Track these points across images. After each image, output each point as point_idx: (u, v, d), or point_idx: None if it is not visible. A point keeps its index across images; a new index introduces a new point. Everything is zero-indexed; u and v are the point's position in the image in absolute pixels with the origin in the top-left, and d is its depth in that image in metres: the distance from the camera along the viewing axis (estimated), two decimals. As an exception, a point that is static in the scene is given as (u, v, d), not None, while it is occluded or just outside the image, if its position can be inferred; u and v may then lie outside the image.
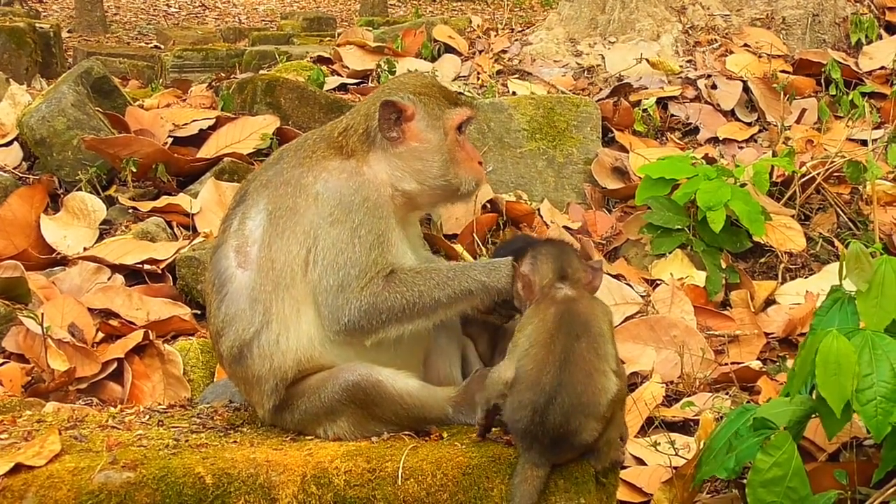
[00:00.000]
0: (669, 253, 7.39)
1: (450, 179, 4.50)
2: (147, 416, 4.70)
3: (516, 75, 9.61)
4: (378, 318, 4.31)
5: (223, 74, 9.90)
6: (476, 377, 4.42)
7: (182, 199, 7.47)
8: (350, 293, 4.29)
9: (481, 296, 4.40)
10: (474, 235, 7.42)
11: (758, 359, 6.62)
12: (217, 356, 4.63)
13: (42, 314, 6.12)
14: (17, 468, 4.05)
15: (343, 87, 9.30)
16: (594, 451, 4.17)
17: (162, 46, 19.60)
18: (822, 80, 9.36)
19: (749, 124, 8.99)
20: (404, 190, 4.46)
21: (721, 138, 8.81)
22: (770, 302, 7.19)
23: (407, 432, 4.33)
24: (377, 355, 4.38)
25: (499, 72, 9.67)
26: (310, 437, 4.37)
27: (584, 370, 4.09)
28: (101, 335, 6.36)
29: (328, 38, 15.35)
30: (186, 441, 4.34)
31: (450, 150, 4.50)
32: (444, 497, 4.09)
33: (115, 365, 6.14)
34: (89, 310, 6.49)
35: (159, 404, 5.05)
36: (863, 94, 9.02)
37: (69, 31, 21.00)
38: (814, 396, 4.87)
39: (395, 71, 9.30)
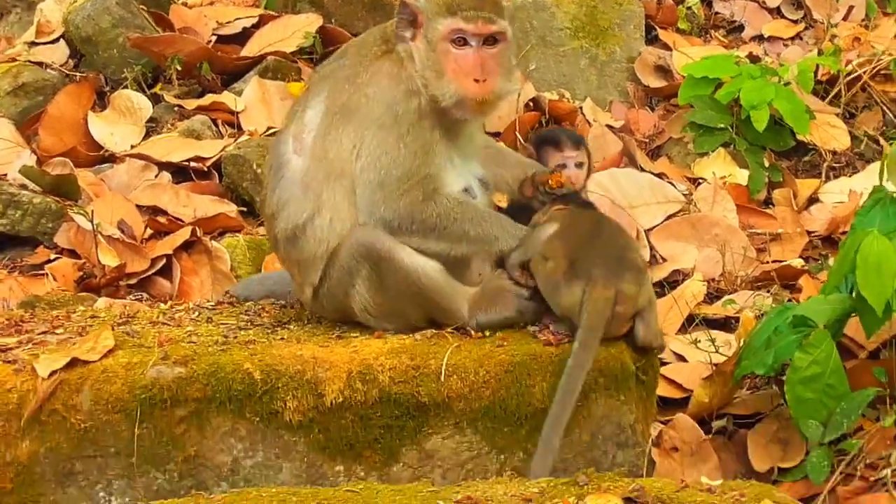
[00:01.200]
0: (712, 151, 7.36)
1: (432, 91, 4.46)
2: (196, 313, 4.81)
3: (560, -30, 9.50)
4: (409, 225, 4.40)
5: (266, -29, 9.84)
6: (494, 276, 4.50)
7: (227, 98, 7.49)
8: (388, 193, 4.38)
9: (501, 245, 4.48)
10: (517, 134, 7.42)
11: (800, 257, 6.61)
12: (271, 239, 4.74)
13: (92, 211, 6.21)
14: (73, 363, 4.19)
15: (387, -17, 9.24)
16: (641, 313, 4.30)
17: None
18: (871, -24, 9.20)
19: (795, 22, 8.86)
20: (432, 94, 4.48)
21: (766, 36, 8.69)
22: (813, 200, 7.17)
23: (449, 330, 4.41)
24: None
25: (543, -33, 9.56)
26: (354, 335, 4.46)
27: (617, 228, 4.51)
28: (149, 232, 6.45)
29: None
30: (235, 338, 4.46)
31: (435, 61, 4.46)
32: (487, 393, 4.20)
33: (163, 261, 6.23)
34: (137, 207, 6.58)
35: (208, 301, 5.15)
36: (913, -11, 8.88)
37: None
38: (854, 295, 4.91)
39: (439, -35, 9.22)
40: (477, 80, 4.48)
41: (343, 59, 4.63)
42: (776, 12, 8.93)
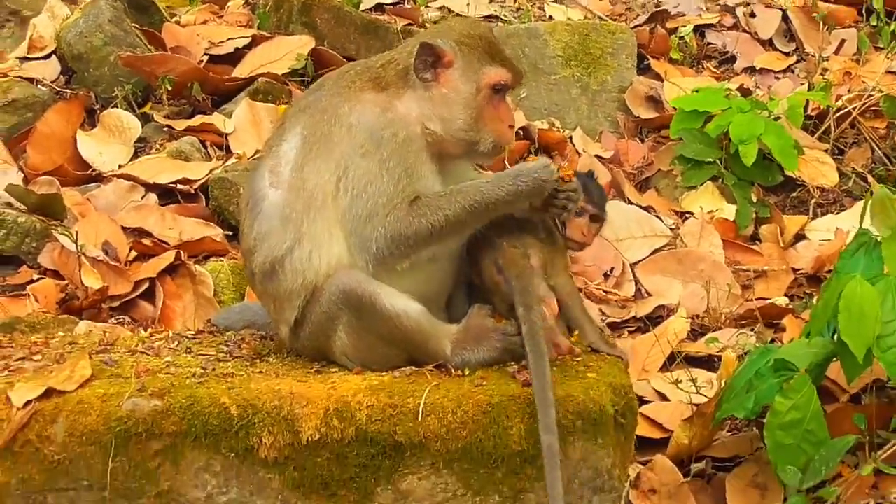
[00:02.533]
0: (700, 185, 7.37)
1: (471, 135, 4.50)
2: (176, 343, 4.77)
3: (553, -1, 9.51)
4: (405, 243, 4.36)
5: (261, -9, 9.84)
6: (475, 313, 4.46)
7: (216, 119, 7.49)
8: (377, 220, 4.35)
9: (512, 200, 4.40)
10: (506, 163, 7.41)
11: (785, 295, 6.61)
12: (248, 275, 4.69)
13: (76, 232, 6.20)
14: (49, 392, 4.15)
15: (379, 8, 9.22)
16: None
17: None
18: (864, 10, 9.21)
19: (787, 54, 8.88)
20: (433, 130, 4.48)
21: (758, 68, 8.71)
22: (800, 237, 7.17)
23: (429, 368, 4.39)
24: (402, 282, 4.42)
25: (536, -6, 9.58)
26: (333, 369, 4.44)
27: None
28: (133, 254, 6.43)
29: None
30: (213, 370, 4.42)
31: (479, 106, 4.49)
32: (464, 434, 4.17)
33: (147, 284, 6.22)
34: (123, 228, 6.56)
35: (188, 330, 5.12)
36: (905, 26, 8.89)
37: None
38: (836, 340, 4.90)
39: (432, -10, 9.25)
40: (511, 127, 4.59)
41: (321, 91, 4.59)
42: (769, 44, 8.96)
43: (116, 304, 6.13)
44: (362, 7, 9.01)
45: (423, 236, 4.36)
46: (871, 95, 7.98)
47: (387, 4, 9.27)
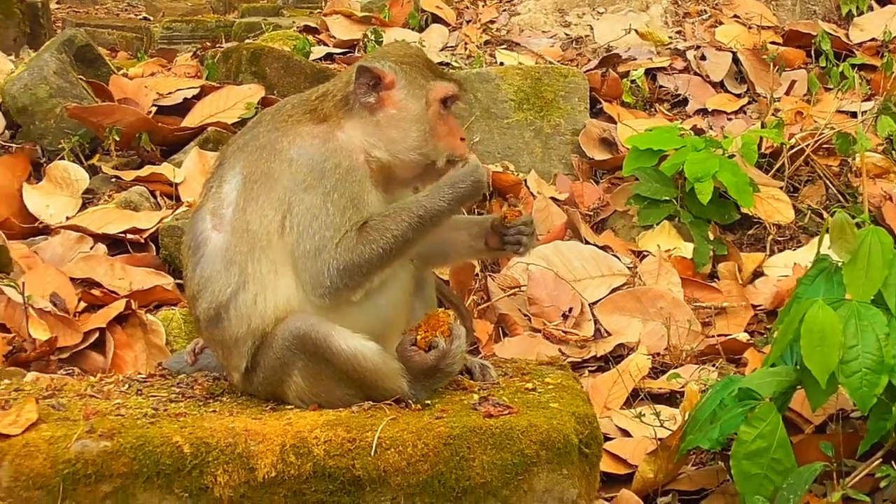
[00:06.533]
0: (657, 224, 7.33)
1: (427, 152, 4.43)
2: (126, 386, 4.65)
3: (504, 46, 9.52)
4: (359, 272, 4.28)
5: (209, 44, 9.81)
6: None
7: (166, 169, 7.40)
8: (327, 254, 4.25)
9: (454, 209, 4.36)
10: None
11: (745, 331, 6.58)
12: (194, 320, 4.57)
13: (23, 283, 6.04)
14: (-7, 437, 4.01)
15: (329, 57, 9.23)
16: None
17: (151, 18, 19.42)
18: (813, 52, 9.31)
19: (738, 96, 8.93)
20: (377, 158, 4.41)
21: (710, 110, 8.75)
22: (758, 274, 7.14)
23: (387, 402, 4.28)
24: (354, 319, 4.34)
25: (486, 42, 9.59)
26: (289, 406, 4.32)
27: None
28: (83, 305, 6.28)
29: (318, 10, 15.22)
30: (165, 410, 4.30)
31: (430, 121, 4.43)
32: (425, 467, 4.06)
33: (96, 335, 6.07)
34: (71, 279, 6.42)
35: (139, 374, 4.99)
36: (853, 66, 8.96)
37: (58, 2, 20.81)
38: (798, 367, 4.84)
39: (381, 41, 9.22)
40: (463, 140, 4.53)
41: (258, 127, 4.50)
42: (720, 86, 9.01)
43: (66, 355, 5.98)
44: (312, 56, 9.00)
45: (374, 262, 4.28)
46: (822, 134, 7.99)
47: (336, 54, 9.26)
